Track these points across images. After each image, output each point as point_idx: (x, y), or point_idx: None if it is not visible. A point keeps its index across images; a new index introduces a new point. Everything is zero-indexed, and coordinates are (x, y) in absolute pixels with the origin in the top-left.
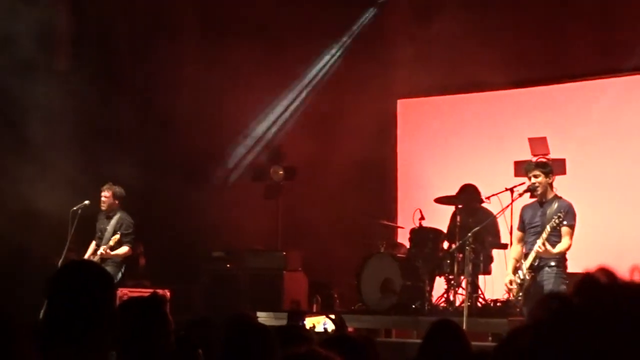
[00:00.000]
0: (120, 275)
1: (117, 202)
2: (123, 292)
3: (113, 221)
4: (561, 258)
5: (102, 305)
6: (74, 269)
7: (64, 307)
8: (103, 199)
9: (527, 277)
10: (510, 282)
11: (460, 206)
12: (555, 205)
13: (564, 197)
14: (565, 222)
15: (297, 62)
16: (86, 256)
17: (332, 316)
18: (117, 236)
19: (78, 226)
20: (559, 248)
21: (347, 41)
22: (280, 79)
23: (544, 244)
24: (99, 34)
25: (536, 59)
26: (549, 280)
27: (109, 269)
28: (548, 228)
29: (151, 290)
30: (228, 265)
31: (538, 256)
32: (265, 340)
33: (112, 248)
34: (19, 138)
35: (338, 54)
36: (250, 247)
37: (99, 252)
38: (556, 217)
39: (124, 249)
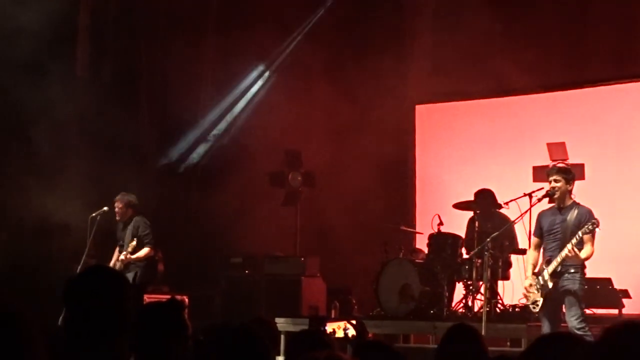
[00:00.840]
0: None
1: (130, 210)
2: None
3: (129, 227)
4: (581, 264)
5: (119, 308)
6: (89, 274)
7: (81, 312)
8: (116, 209)
9: (550, 283)
10: (530, 286)
11: (478, 212)
12: (576, 211)
13: (582, 202)
14: (588, 229)
15: (316, 67)
16: (111, 262)
17: (354, 322)
18: (134, 242)
19: (96, 232)
20: (585, 254)
21: (366, 47)
22: (301, 83)
23: (573, 249)
24: (116, 40)
25: (555, 65)
26: (570, 285)
27: (132, 273)
28: (580, 234)
29: (170, 296)
30: (246, 271)
31: (562, 262)
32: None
33: (132, 253)
34: (32, 147)
35: (357, 58)
36: (268, 253)
37: (120, 258)
38: (590, 223)
39: (144, 250)
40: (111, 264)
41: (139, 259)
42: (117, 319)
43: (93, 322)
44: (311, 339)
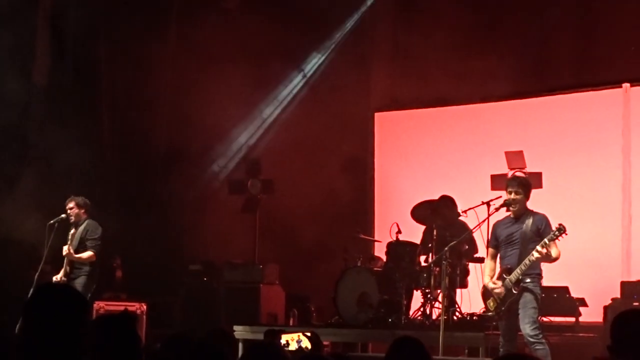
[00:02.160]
0: (94, 286)
1: (82, 210)
2: (99, 305)
3: (80, 228)
4: (538, 273)
5: (76, 330)
6: (48, 292)
7: (39, 332)
8: (69, 211)
9: (515, 292)
10: (489, 291)
11: (438, 223)
12: (531, 219)
13: (540, 210)
14: (549, 234)
15: (276, 74)
16: (61, 272)
17: (308, 333)
18: (78, 237)
19: (54, 240)
20: (555, 253)
21: (327, 53)
22: (259, 91)
23: (543, 247)
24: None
25: (513, 73)
26: (525, 293)
27: (81, 280)
28: (546, 241)
29: (129, 304)
30: (205, 279)
31: (524, 271)
32: None
33: (77, 251)
34: None
35: (317, 66)
36: (227, 261)
37: (64, 250)
38: (555, 230)
39: (87, 254)
40: (61, 272)
41: (80, 260)
42: (75, 337)
43: (50, 341)
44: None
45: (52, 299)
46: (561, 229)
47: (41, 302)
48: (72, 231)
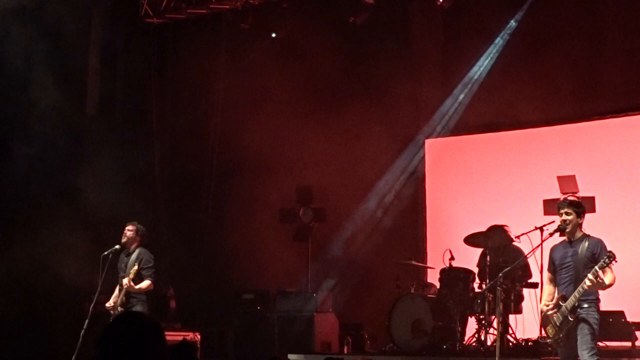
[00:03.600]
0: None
1: (138, 238)
2: None
3: (133, 256)
4: (596, 299)
5: (157, 357)
6: (127, 321)
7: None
8: (127, 233)
9: (571, 319)
10: (548, 317)
11: (489, 246)
12: (587, 243)
13: (593, 234)
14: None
15: (327, 102)
16: (112, 299)
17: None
18: (136, 267)
19: (108, 271)
20: (609, 280)
21: (376, 81)
22: (310, 119)
23: (596, 278)
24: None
25: (564, 97)
26: (584, 319)
27: (138, 308)
28: (597, 268)
29: (182, 333)
30: (258, 308)
31: (580, 297)
32: None
33: (134, 281)
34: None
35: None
36: (280, 289)
37: (124, 283)
38: (605, 257)
39: (145, 283)
40: (111, 299)
41: (140, 291)
42: None
43: None
44: None
45: (130, 327)
46: (611, 257)
47: (119, 331)
48: (125, 260)
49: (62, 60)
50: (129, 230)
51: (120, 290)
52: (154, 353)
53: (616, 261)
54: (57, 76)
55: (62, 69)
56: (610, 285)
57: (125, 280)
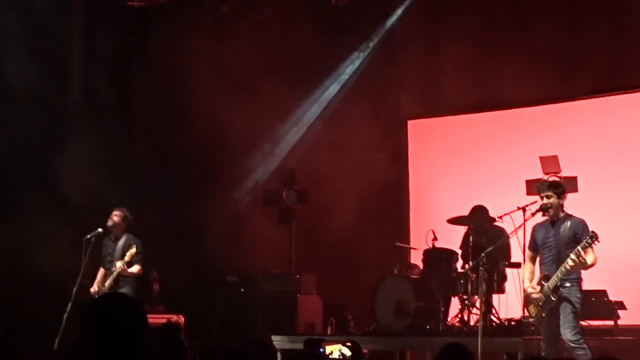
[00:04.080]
0: (139, 294)
1: (124, 225)
2: None
3: (121, 242)
4: (578, 277)
5: (138, 338)
6: (109, 302)
7: (101, 342)
8: (114, 218)
9: (554, 299)
10: (530, 296)
11: (472, 226)
12: (569, 223)
13: (576, 215)
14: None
15: (308, 85)
16: (95, 284)
17: (349, 343)
18: (134, 249)
19: (91, 254)
20: (590, 260)
21: (357, 63)
22: (291, 103)
23: (578, 257)
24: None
25: (547, 77)
26: (566, 298)
27: (125, 290)
28: (579, 249)
29: (166, 316)
30: (242, 290)
31: (562, 277)
32: None
33: (128, 264)
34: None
35: (348, 76)
36: (264, 271)
37: (117, 266)
38: (588, 237)
39: (136, 268)
40: (95, 283)
41: (132, 275)
42: (138, 348)
43: (114, 351)
44: None
45: (112, 308)
46: (593, 237)
47: (101, 312)
48: (112, 246)
49: (42, 43)
50: (116, 216)
51: (105, 275)
52: (135, 333)
53: (598, 241)
54: (36, 59)
55: (42, 52)
56: (592, 265)
57: (119, 263)
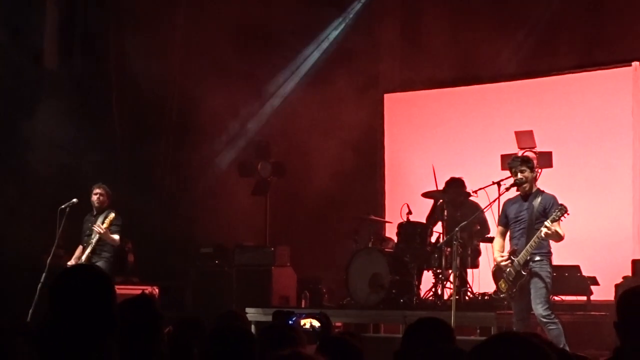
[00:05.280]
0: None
1: (108, 200)
2: None
3: (101, 217)
4: (548, 252)
5: (107, 307)
6: (76, 273)
7: (69, 312)
8: (97, 196)
9: (524, 273)
10: (499, 271)
11: (446, 199)
12: (539, 198)
13: (550, 190)
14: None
15: (284, 57)
16: (73, 259)
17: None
18: (112, 215)
19: (65, 224)
20: (562, 232)
21: (334, 35)
22: (267, 74)
23: (549, 228)
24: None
25: (522, 52)
26: (536, 273)
27: (100, 264)
28: (548, 222)
29: (141, 287)
30: (216, 262)
31: (532, 251)
32: (249, 347)
33: (109, 229)
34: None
35: (324, 48)
36: (238, 243)
37: (96, 228)
38: (557, 210)
39: (116, 236)
40: (72, 259)
41: (111, 240)
42: (106, 318)
43: (82, 322)
44: (277, 334)
45: (79, 280)
46: (563, 210)
47: (68, 283)
48: (93, 221)
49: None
50: (100, 193)
51: (84, 249)
52: (102, 304)
53: (568, 214)
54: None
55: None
56: (561, 238)
57: (96, 227)
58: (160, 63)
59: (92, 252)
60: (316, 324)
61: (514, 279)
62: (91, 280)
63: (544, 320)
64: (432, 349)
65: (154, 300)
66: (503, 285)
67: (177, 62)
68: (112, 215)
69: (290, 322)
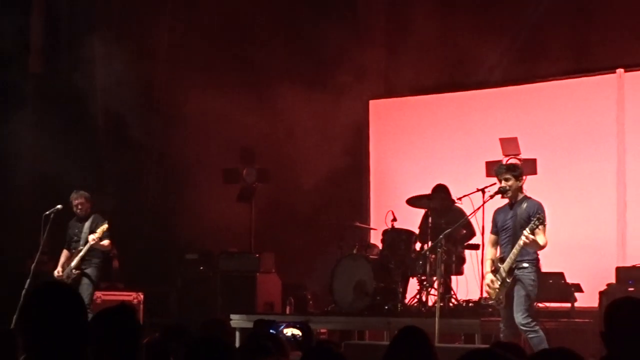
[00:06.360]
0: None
1: (89, 205)
2: (97, 295)
3: (87, 222)
4: (534, 259)
5: (76, 328)
6: (46, 293)
7: (40, 329)
8: (78, 205)
9: (509, 281)
10: (492, 282)
11: (431, 206)
12: (525, 205)
13: (535, 197)
14: (535, 224)
15: (269, 63)
16: (59, 266)
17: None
18: (105, 225)
19: (50, 231)
20: (542, 241)
21: (319, 43)
22: (255, 79)
23: (529, 236)
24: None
25: (507, 59)
26: (520, 280)
27: (90, 270)
28: (527, 231)
29: (125, 293)
30: (201, 268)
31: (516, 258)
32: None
33: (100, 239)
34: None
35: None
36: (223, 250)
37: (90, 239)
38: (535, 218)
39: (106, 241)
40: (59, 265)
41: (102, 247)
42: (73, 337)
43: (51, 343)
44: (258, 343)
45: (49, 300)
46: (540, 219)
47: (38, 304)
48: (79, 226)
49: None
50: (80, 202)
51: (69, 257)
52: (73, 323)
53: (545, 224)
54: None
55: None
56: (542, 247)
57: (92, 236)
58: (145, 68)
59: (82, 259)
60: (297, 332)
61: (500, 286)
62: (63, 300)
63: (524, 328)
64: None
65: (134, 310)
66: (491, 292)
67: (162, 66)
68: (105, 226)
69: (271, 330)
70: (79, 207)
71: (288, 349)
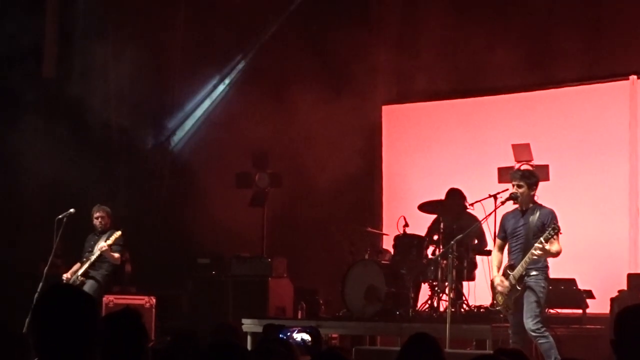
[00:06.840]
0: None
1: (110, 220)
2: (109, 299)
3: (104, 236)
4: (544, 267)
5: (88, 329)
6: (57, 295)
7: (51, 331)
8: (99, 219)
9: (519, 288)
10: (502, 282)
11: (443, 212)
12: (538, 213)
13: (547, 203)
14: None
15: (283, 68)
16: (69, 272)
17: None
18: (119, 233)
19: (62, 234)
20: (555, 249)
21: (333, 49)
22: (268, 85)
23: (544, 246)
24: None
25: (520, 66)
26: (530, 287)
27: (96, 274)
28: (542, 240)
29: (138, 297)
30: (213, 272)
31: (527, 266)
32: None
33: (111, 248)
34: None
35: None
36: (235, 254)
37: (100, 246)
38: (550, 228)
39: (116, 254)
40: (69, 272)
41: (112, 258)
42: (85, 339)
43: (63, 344)
44: (265, 347)
45: (61, 302)
46: (555, 228)
47: (49, 305)
48: (96, 239)
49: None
50: (101, 217)
51: (82, 265)
52: (86, 325)
53: (560, 233)
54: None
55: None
56: (557, 254)
57: (102, 243)
58: (157, 71)
59: (90, 266)
60: (307, 337)
61: (510, 293)
62: (75, 302)
63: (534, 334)
64: None
65: (139, 315)
66: (500, 298)
67: (175, 71)
68: (119, 233)
69: (281, 335)
70: (100, 220)
71: (297, 353)
